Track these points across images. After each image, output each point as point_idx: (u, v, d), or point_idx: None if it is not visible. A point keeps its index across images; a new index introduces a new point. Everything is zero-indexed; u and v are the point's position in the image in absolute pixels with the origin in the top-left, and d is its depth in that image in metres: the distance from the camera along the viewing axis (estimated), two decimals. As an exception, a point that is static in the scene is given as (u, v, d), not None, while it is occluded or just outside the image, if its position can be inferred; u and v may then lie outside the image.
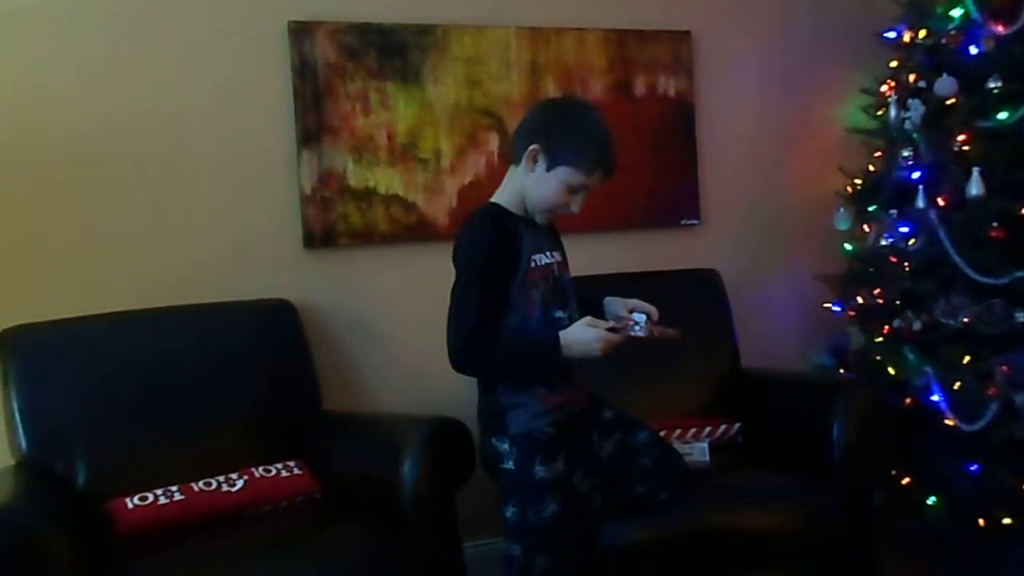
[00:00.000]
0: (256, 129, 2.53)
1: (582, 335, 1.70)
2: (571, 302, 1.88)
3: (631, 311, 1.86)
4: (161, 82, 2.44)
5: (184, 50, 2.46)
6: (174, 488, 1.98)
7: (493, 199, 1.86)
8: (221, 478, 2.04)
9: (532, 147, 1.76)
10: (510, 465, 1.80)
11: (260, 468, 2.10)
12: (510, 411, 1.79)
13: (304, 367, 2.40)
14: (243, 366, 2.29)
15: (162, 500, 1.95)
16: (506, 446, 1.81)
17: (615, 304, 1.92)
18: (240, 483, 2.04)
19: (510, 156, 1.85)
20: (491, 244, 1.74)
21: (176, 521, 1.94)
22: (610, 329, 1.71)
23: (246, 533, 1.95)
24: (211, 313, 2.34)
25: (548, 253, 1.85)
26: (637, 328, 1.74)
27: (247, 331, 2.35)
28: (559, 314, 1.82)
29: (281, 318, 2.41)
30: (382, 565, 1.87)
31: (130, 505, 1.93)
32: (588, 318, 1.73)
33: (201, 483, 2.02)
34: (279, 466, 2.12)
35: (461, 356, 1.72)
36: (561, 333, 1.71)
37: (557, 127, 1.77)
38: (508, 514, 1.81)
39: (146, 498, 1.95)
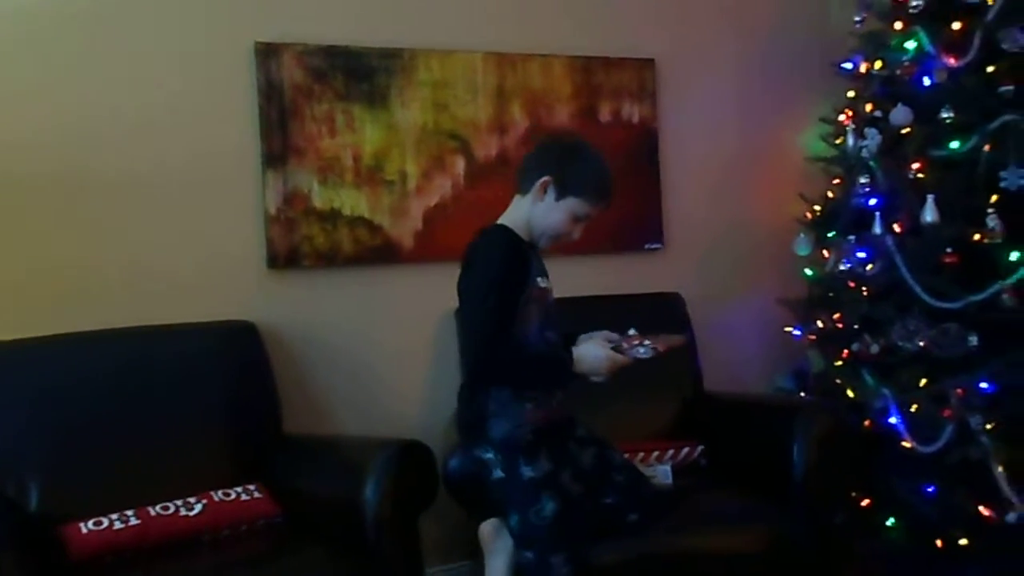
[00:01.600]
0: (221, 149, 2.51)
1: (590, 353, 1.84)
2: (557, 327, 1.98)
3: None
4: (124, 99, 2.42)
5: (149, 69, 2.44)
6: (130, 512, 1.94)
7: (500, 222, 1.96)
8: (179, 502, 2.00)
9: (544, 179, 1.90)
10: (499, 473, 1.88)
11: (219, 492, 2.06)
12: (493, 419, 1.88)
13: (266, 389, 2.37)
14: (203, 388, 2.26)
15: (117, 525, 1.91)
16: (490, 455, 1.89)
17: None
18: (199, 507, 2.00)
19: (516, 187, 1.98)
20: (509, 257, 1.85)
21: (132, 546, 1.89)
22: (614, 349, 1.85)
23: (204, 558, 1.91)
24: (171, 334, 2.31)
25: (545, 278, 1.98)
26: (642, 351, 1.85)
27: (208, 352, 2.31)
28: (551, 336, 1.94)
29: (243, 339, 2.38)
30: (343, 589, 1.85)
31: (84, 530, 1.88)
32: (598, 338, 1.87)
33: (158, 507, 1.97)
34: (239, 489, 2.08)
35: (488, 362, 1.82)
36: (573, 349, 1.85)
37: (568, 161, 1.93)
38: (512, 524, 1.88)
39: (101, 523, 1.90)
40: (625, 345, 1.86)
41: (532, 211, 1.93)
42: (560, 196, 1.91)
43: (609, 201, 1.97)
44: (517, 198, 1.98)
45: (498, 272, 1.82)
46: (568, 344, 1.92)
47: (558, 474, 1.90)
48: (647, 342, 1.87)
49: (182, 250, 2.47)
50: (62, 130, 2.36)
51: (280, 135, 2.55)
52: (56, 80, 2.35)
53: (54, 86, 2.35)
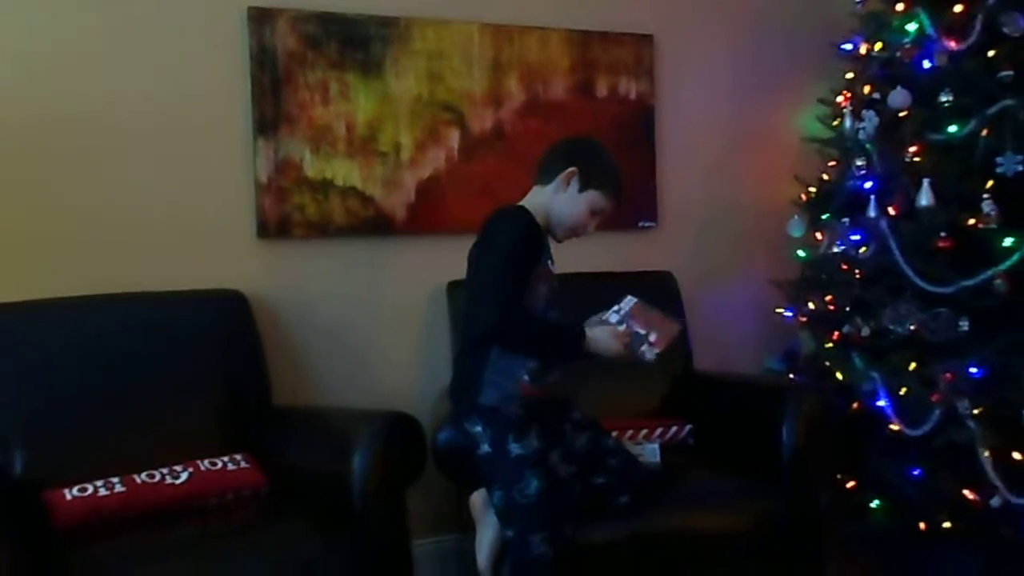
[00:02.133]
0: (212, 115, 2.48)
1: (604, 335, 1.91)
2: (560, 309, 2.03)
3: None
4: (113, 64, 2.38)
5: (138, 32, 2.40)
6: (115, 479, 1.92)
7: (521, 204, 2.01)
8: (165, 470, 1.99)
9: (570, 169, 1.98)
10: (486, 448, 1.90)
11: (206, 461, 2.05)
12: (486, 386, 1.90)
13: (254, 359, 2.36)
14: (191, 356, 2.24)
15: (102, 491, 1.89)
16: (479, 428, 1.91)
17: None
18: (185, 475, 1.99)
19: (538, 178, 2.04)
20: (528, 235, 1.91)
21: (117, 513, 1.88)
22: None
23: (190, 526, 1.90)
24: (159, 301, 2.29)
25: (553, 263, 2.04)
26: (647, 355, 1.93)
27: (196, 321, 2.29)
28: (554, 314, 1.99)
29: (232, 308, 2.36)
30: (330, 560, 1.84)
31: (69, 496, 1.87)
32: (609, 330, 1.93)
33: (144, 475, 1.96)
34: (225, 459, 2.07)
35: (504, 321, 1.84)
36: (587, 329, 1.92)
37: (592, 156, 2.03)
38: (496, 500, 1.90)
39: (86, 489, 1.89)
40: (635, 342, 1.93)
41: (553, 200, 2.00)
42: (583, 188, 1.98)
43: (623, 199, 2.06)
44: (537, 188, 2.04)
45: (518, 245, 1.88)
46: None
47: (547, 453, 1.91)
48: (652, 339, 1.94)
49: (171, 217, 2.44)
50: (47, 91, 2.31)
51: (272, 102, 2.51)
52: (41, 45, 2.31)
53: (42, 57, 2.30)
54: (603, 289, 2.67)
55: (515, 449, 1.87)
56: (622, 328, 1.94)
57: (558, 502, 1.88)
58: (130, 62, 2.40)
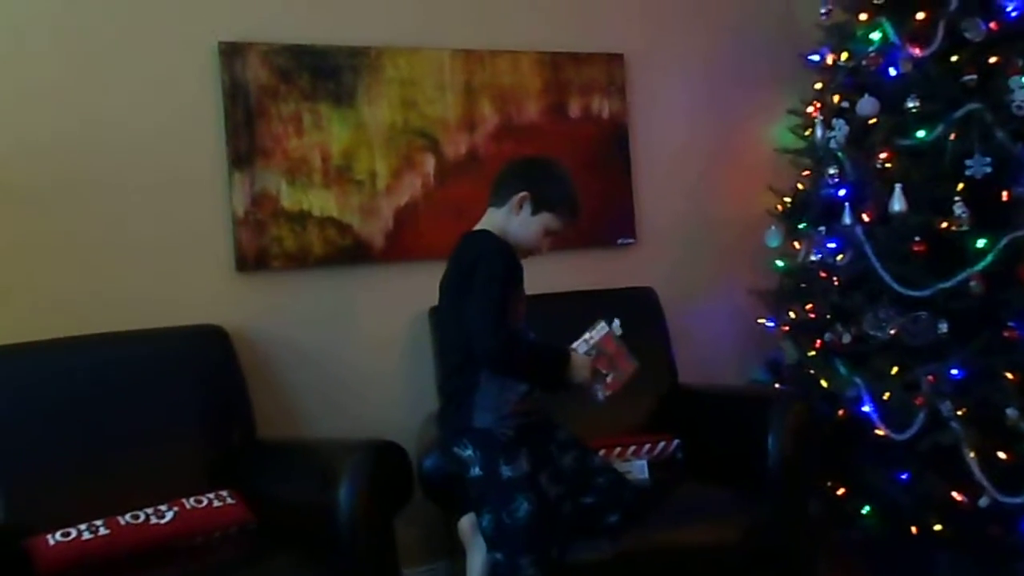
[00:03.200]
0: (186, 151, 2.48)
1: (580, 363, 1.94)
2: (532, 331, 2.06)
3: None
4: (86, 101, 2.38)
5: (111, 70, 2.40)
6: (99, 522, 1.90)
7: (485, 228, 2.02)
8: (150, 510, 1.96)
9: (522, 193, 1.98)
10: (476, 471, 1.89)
11: (191, 499, 2.02)
12: (477, 408, 1.90)
13: (237, 394, 2.34)
14: (173, 394, 2.22)
15: (86, 535, 1.86)
16: (469, 452, 1.90)
17: None
18: (170, 515, 1.97)
19: (492, 200, 2.04)
20: (507, 257, 1.93)
21: (102, 557, 1.85)
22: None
23: (177, 567, 1.87)
24: (139, 339, 2.27)
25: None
26: (599, 395, 1.99)
27: (177, 358, 2.27)
28: (531, 335, 2.01)
29: (213, 344, 2.35)
30: (319, 594, 1.82)
31: (51, 542, 1.84)
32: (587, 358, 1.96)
33: (128, 516, 1.93)
34: (211, 496, 2.05)
35: (501, 345, 1.84)
36: (571, 352, 1.94)
37: (544, 178, 2.02)
38: (484, 524, 1.88)
39: (69, 534, 1.86)
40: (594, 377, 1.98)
41: (508, 223, 2.00)
42: (536, 211, 1.99)
43: (578, 218, 2.07)
44: (491, 210, 2.04)
45: (501, 269, 1.89)
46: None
47: (536, 475, 1.91)
48: (608, 380, 1.99)
49: (149, 254, 2.43)
50: (22, 133, 2.31)
51: (247, 136, 2.52)
52: (14, 82, 2.30)
53: (11, 88, 2.30)
54: (583, 308, 2.70)
55: (506, 472, 1.86)
56: (590, 357, 1.96)
57: (547, 524, 1.87)
58: (103, 99, 2.40)
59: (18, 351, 2.13)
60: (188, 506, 2.00)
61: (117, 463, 2.09)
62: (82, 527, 1.88)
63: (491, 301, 1.85)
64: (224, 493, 2.07)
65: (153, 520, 1.94)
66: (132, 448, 2.12)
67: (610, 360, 1.98)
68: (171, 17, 2.47)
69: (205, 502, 2.03)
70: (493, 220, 2.02)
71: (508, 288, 1.89)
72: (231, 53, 2.51)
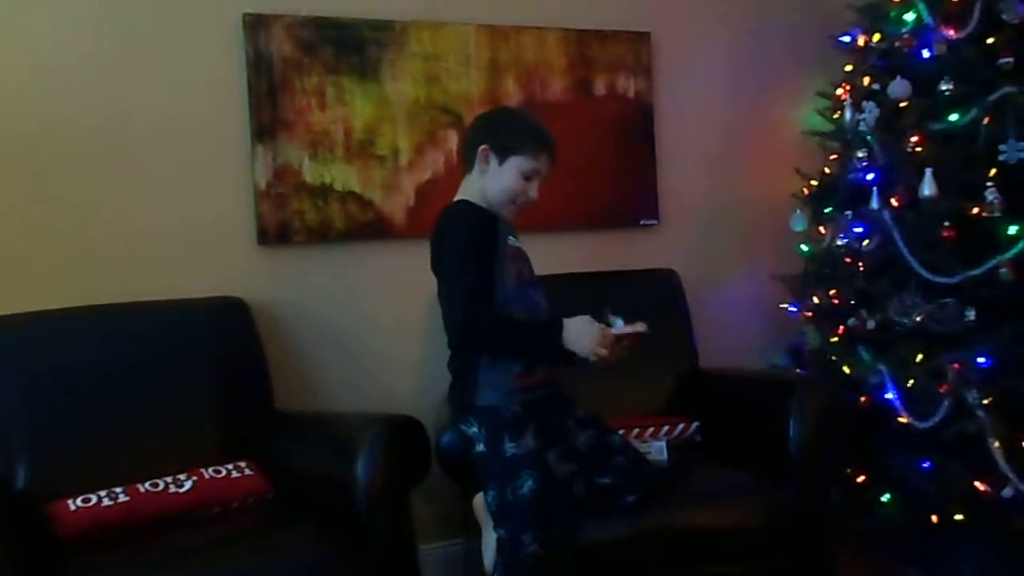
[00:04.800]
0: (209, 123, 2.47)
1: (578, 322, 1.84)
2: (539, 285, 2.01)
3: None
4: (110, 72, 2.38)
5: (135, 41, 2.40)
6: (119, 489, 1.91)
7: (458, 198, 1.99)
8: (169, 479, 1.97)
9: (482, 147, 1.94)
10: (481, 448, 1.89)
11: (210, 468, 2.04)
12: (483, 386, 1.89)
13: (256, 365, 2.35)
14: (193, 364, 2.23)
15: (106, 502, 1.88)
16: (474, 429, 1.89)
17: None
18: (188, 484, 1.98)
19: (463, 168, 2.02)
20: (474, 224, 1.89)
21: (121, 523, 1.87)
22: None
23: (194, 535, 1.89)
24: (160, 310, 2.28)
25: (515, 238, 1.97)
26: (617, 325, 1.88)
27: (198, 328, 2.28)
28: (535, 294, 1.97)
29: (233, 315, 2.35)
30: (335, 566, 1.82)
31: (72, 507, 1.86)
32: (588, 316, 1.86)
33: (148, 484, 1.95)
34: (229, 466, 2.06)
35: (470, 327, 1.82)
36: (565, 320, 1.85)
37: (500, 124, 1.99)
38: (489, 499, 1.88)
39: (89, 499, 1.88)
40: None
41: (482, 183, 1.96)
42: (502, 159, 1.94)
43: (553, 151, 1.98)
44: (466, 178, 2.01)
45: (467, 241, 1.86)
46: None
47: (543, 452, 1.89)
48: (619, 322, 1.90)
49: (171, 225, 2.43)
50: (44, 101, 2.31)
51: (269, 108, 2.51)
52: (38, 54, 2.31)
53: (35, 59, 2.31)
54: (605, 289, 2.69)
55: (510, 448, 1.85)
56: (590, 320, 1.86)
57: (552, 502, 1.85)
58: (127, 71, 2.39)
59: (41, 319, 2.14)
60: (206, 475, 2.02)
61: (137, 431, 2.10)
62: (102, 493, 1.90)
63: (461, 278, 1.83)
64: (242, 464, 2.08)
65: (172, 488, 1.96)
66: (152, 417, 2.13)
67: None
68: (196, -13, 2.46)
69: (223, 472, 2.04)
70: (468, 187, 1.99)
71: (482, 256, 1.85)
72: (256, 25, 2.49)
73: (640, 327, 1.89)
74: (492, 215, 1.94)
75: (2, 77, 2.28)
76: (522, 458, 1.84)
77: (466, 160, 1.99)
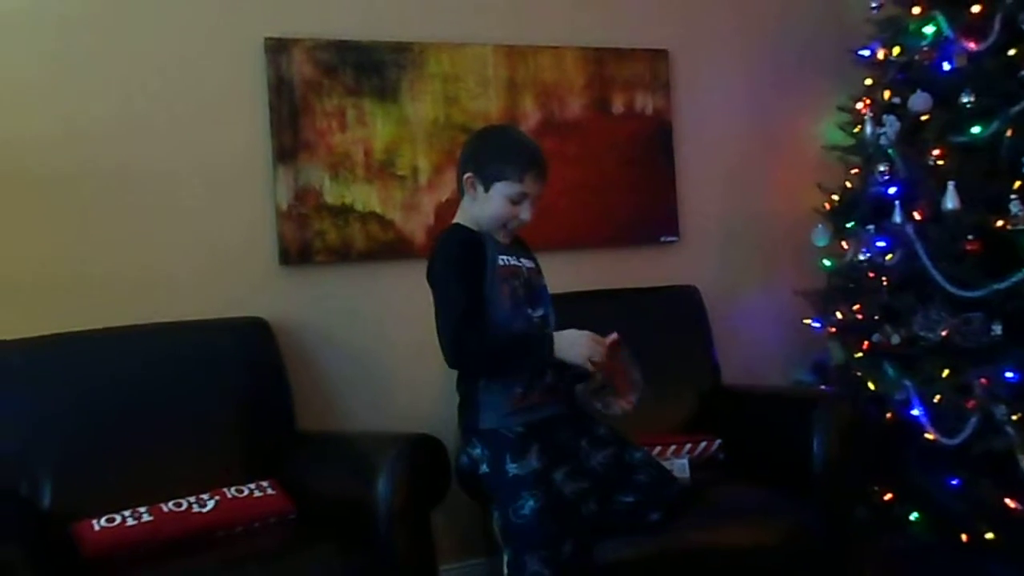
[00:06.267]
0: (231, 145, 2.51)
1: (570, 334, 1.84)
2: (546, 305, 2.00)
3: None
4: (133, 96, 2.42)
5: (159, 64, 2.44)
6: (143, 509, 1.93)
7: (453, 222, 2.02)
8: (192, 499, 1.99)
9: (467, 176, 1.95)
10: (485, 469, 1.89)
11: (232, 489, 2.05)
12: (483, 408, 1.90)
13: (279, 385, 2.36)
14: (216, 385, 2.25)
15: (130, 522, 1.90)
16: (478, 450, 1.90)
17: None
18: (211, 504, 1.99)
19: (459, 191, 2.02)
20: (459, 245, 1.91)
21: (145, 543, 1.88)
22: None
23: (217, 555, 1.89)
24: (183, 331, 2.30)
25: (516, 258, 1.99)
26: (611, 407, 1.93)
27: (220, 349, 2.30)
28: (533, 312, 1.95)
29: (255, 336, 2.37)
30: (356, 585, 1.83)
31: (97, 527, 1.88)
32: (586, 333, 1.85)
33: (171, 504, 1.96)
34: (252, 486, 2.07)
35: (456, 347, 1.82)
36: (555, 332, 1.86)
37: (482, 150, 1.97)
38: (495, 520, 1.87)
39: (113, 520, 1.89)
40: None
41: (472, 209, 1.97)
42: (487, 186, 1.93)
43: (540, 170, 1.94)
44: (462, 201, 2.02)
45: (452, 264, 1.87)
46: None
47: (548, 472, 1.88)
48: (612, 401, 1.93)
49: (194, 247, 2.47)
50: (71, 127, 2.36)
51: (291, 130, 2.54)
52: (64, 77, 2.36)
53: (62, 83, 2.36)
54: (626, 306, 2.69)
55: (512, 469, 1.84)
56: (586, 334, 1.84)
57: (558, 521, 1.83)
58: (151, 91, 2.44)
59: (65, 340, 2.17)
60: (229, 495, 2.03)
61: (160, 452, 2.12)
62: (126, 513, 1.92)
63: (447, 307, 1.83)
64: (264, 483, 2.09)
65: (195, 508, 1.97)
66: (175, 437, 2.15)
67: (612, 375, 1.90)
68: (219, 13, 2.50)
69: (246, 492, 2.05)
70: (463, 211, 2.00)
71: (467, 278, 1.85)
72: (277, 49, 2.53)
73: (612, 336, 1.89)
74: (479, 235, 1.94)
75: (33, 111, 2.32)
76: (524, 479, 1.83)
77: (458, 185, 2.01)
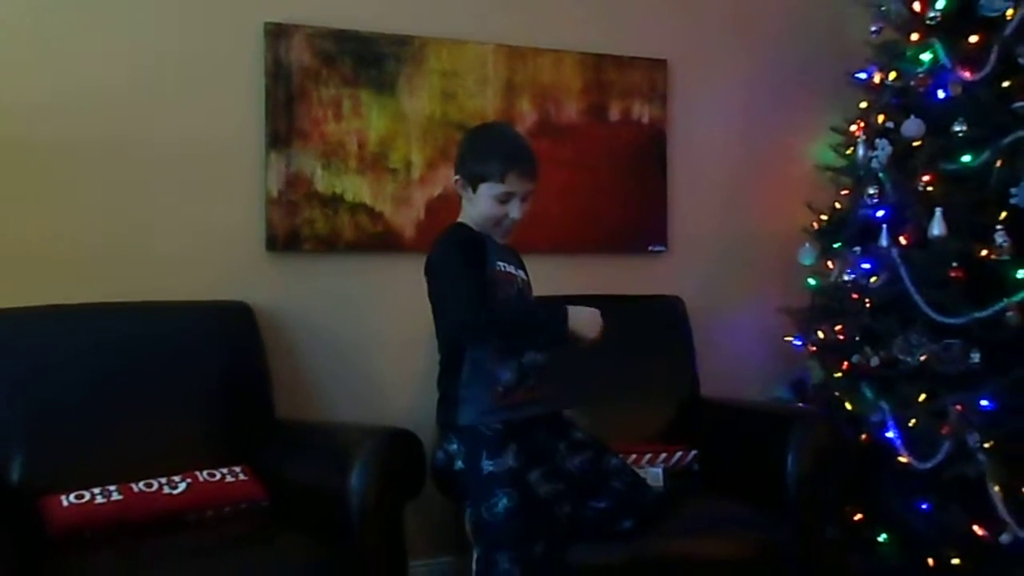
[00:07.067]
0: (225, 127, 2.49)
1: (588, 312, 1.88)
2: None
3: None
4: (128, 73, 2.39)
5: (156, 44, 2.42)
6: (112, 487, 1.91)
7: (456, 221, 2.05)
8: (163, 479, 1.97)
9: (454, 179, 2.01)
10: (460, 464, 1.90)
11: (205, 472, 2.03)
12: (463, 404, 1.91)
13: (258, 371, 2.35)
14: (194, 366, 2.23)
15: (99, 499, 1.87)
16: (455, 446, 1.91)
17: None
18: (182, 486, 1.97)
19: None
20: (462, 241, 1.94)
21: (113, 521, 1.86)
22: None
23: (185, 537, 1.88)
24: (163, 310, 2.28)
25: (514, 268, 2.01)
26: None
27: (201, 331, 2.28)
28: None
29: (237, 320, 2.35)
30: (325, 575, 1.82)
31: (65, 503, 1.85)
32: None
33: (142, 484, 1.94)
34: (225, 471, 2.05)
35: (474, 314, 1.83)
36: (569, 307, 1.89)
37: (467, 153, 2.00)
38: (467, 517, 1.88)
39: (82, 496, 1.87)
40: None
41: (468, 210, 2.01)
42: (474, 187, 1.96)
43: (525, 168, 1.95)
44: (462, 201, 2.05)
45: (457, 251, 1.91)
46: None
47: (524, 472, 1.89)
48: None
49: (180, 226, 2.44)
50: (63, 101, 2.33)
51: (285, 117, 2.53)
52: (57, 51, 2.33)
53: (55, 57, 2.33)
54: (611, 312, 2.68)
55: (487, 466, 1.85)
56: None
57: (531, 521, 1.84)
58: (146, 73, 2.41)
59: (44, 314, 2.14)
60: (201, 479, 2.01)
61: (135, 431, 2.10)
62: (96, 491, 1.89)
63: (456, 281, 1.86)
64: (237, 469, 2.07)
65: (166, 489, 1.95)
66: (150, 417, 2.13)
67: None
68: (220, -5, 2.49)
69: (218, 476, 2.03)
70: (463, 211, 2.04)
71: (473, 264, 1.89)
72: (276, 34, 2.52)
73: None
74: (480, 235, 1.98)
75: (31, 94, 2.30)
76: (499, 476, 1.84)
77: (456, 186, 2.05)
